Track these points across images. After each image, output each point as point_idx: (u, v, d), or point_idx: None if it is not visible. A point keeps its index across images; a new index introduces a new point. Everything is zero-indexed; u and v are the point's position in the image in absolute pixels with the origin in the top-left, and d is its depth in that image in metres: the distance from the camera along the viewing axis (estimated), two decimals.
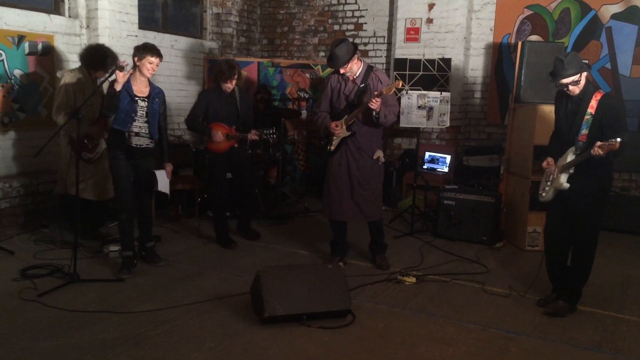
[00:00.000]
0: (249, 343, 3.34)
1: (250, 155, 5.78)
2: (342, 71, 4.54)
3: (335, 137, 4.65)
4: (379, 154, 4.68)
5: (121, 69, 4.05)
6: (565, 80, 3.63)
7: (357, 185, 4.63)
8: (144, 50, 4.27)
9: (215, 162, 5.27)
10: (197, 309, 3.80)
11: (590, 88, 3.67)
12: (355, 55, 4.54)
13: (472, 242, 5.58)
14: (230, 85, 5.06)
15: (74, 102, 4.82)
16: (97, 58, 4.93)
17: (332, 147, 4.68)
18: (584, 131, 3.59)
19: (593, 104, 3.58)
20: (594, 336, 3.61)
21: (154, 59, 4.28)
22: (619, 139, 3.28)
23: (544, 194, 3.92)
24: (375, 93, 4.35)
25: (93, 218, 5.32)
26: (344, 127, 4.59)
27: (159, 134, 4.49)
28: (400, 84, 4.49)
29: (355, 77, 4.60)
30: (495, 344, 3.44)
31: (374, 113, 4.43)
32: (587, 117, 3.59)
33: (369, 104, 4.33)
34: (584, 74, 3.66)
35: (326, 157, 4.80)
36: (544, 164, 3.96)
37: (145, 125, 4.38)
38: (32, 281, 4.13)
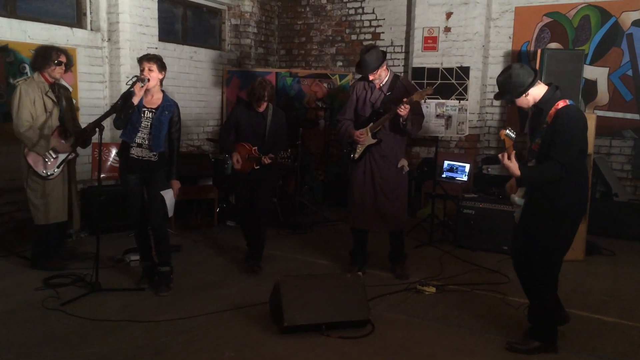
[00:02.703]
0: (269, 353, 3.34)
1: (272, 177, 5.17)
2: (371, 77, 4.54)
3: (359, 145, 4.66)
4: (404, 162, 4.68)
5: (142, 80, 4.07)
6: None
7: (380, 193, 4.62)
8: (139, 60, 4.20)
9: (238, 180, 4.99)
10: (217, 319, 3.81)
11: (554, 96, 3.29)
12: (385, 63, 4.55)
13: (493, 252, 5.51)
14: (260, 108, 4.75)
15: (35, 112, 4.56)
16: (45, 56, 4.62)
17: (357, 155, 4.67)
18: (538, 140, 3.31)
19: (552, 112, 3.27)
20: (619, 347, 3.54)
21: (147, 64, 4.14)
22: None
23: (515, 214, 3.51)
24: (405, 100, 4.34)
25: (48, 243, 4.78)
26: (369, 134, 4.59)
27: (170, 148, 4.29)
28: (431, 91, 4.50)
29: (382, 85, 4.61)
30: (517, 355, 3.39)
31: (402, 120, 4.43)
32: (544, 125, 3.28)
33: (398, 110, 4.32)
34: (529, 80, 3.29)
35: (346, 166, 4.78)
36: (507, 186, 3.64)
37: (149, 136, 4.20)
38: (55, 290, 4.19)
